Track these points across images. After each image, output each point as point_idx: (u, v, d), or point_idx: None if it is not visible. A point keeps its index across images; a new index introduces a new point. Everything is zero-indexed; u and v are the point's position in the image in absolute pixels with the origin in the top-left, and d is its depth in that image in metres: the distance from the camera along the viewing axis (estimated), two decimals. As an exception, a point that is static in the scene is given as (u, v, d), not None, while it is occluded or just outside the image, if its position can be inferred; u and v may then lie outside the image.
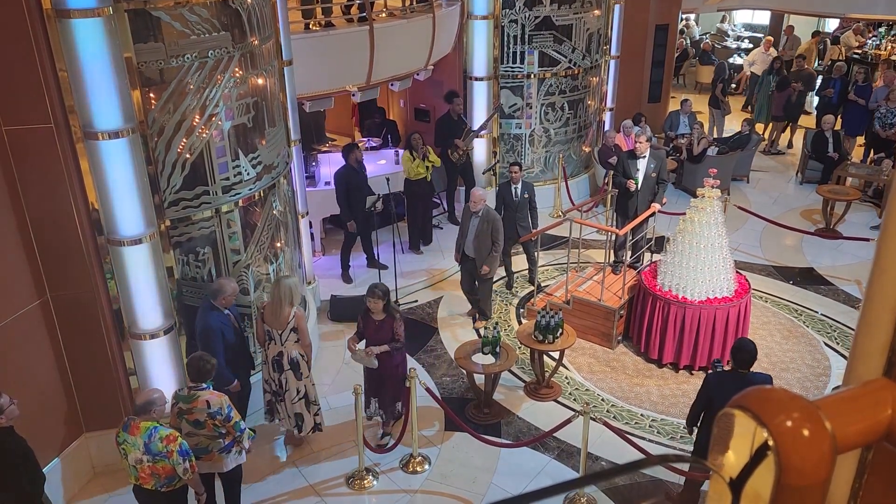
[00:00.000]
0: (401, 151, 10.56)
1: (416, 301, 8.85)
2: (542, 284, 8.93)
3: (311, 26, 8.55)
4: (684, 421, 6.72)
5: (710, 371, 7.35)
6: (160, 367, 6.07)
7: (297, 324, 6.10)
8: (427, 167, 9.45)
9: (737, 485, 0.97)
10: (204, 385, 5.20)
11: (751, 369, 5.34)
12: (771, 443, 0.91)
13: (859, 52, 17.65)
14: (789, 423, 0.92)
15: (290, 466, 6.37)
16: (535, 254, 8.70)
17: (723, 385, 5.28)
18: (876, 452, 1.15)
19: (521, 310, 8.77)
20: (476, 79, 10.40)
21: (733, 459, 0.97)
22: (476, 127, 10.28)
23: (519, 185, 8.55)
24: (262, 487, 6.14)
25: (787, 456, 0.91)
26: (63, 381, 5.92)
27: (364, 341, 6.33)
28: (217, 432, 5.22)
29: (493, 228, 7.77)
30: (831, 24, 20.98)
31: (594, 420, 5.83)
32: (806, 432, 0.92)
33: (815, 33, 17.48)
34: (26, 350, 5.56)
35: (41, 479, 4.94)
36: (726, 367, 7.07)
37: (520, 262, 9.30)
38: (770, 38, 16.87)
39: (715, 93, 14.24)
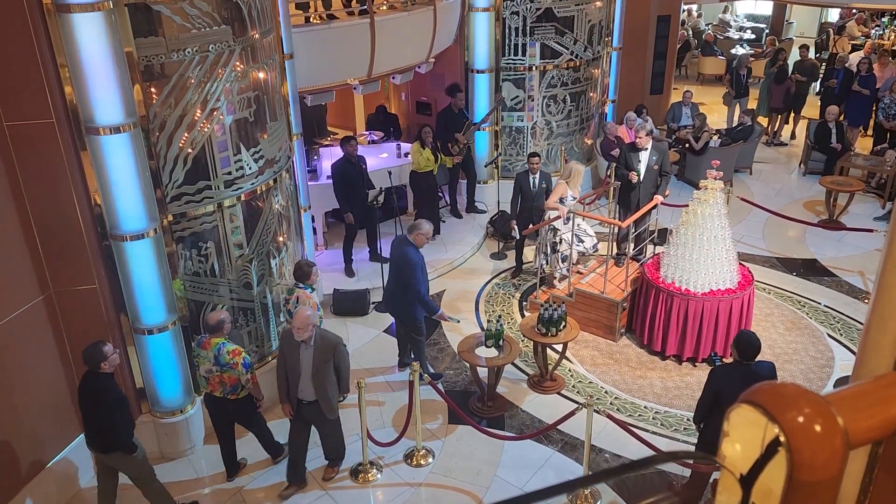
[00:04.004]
0: (402, 144, 10.57)
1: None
2: (546, 277, 8.92)
3: (311, 19, 8.52)
4: (688, 413, 6.74)
5: (709, 365, 7.35)
6: (163, 362, 6.08)
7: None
8: (436, 158, 9.57)
9: (748, 481, 0.96)
10: (302, 285, 6.37)
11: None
12: (782, 439, 0.90)
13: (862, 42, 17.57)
14: (801, 419, 0.91)
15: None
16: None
17: (729, 378, 5.26)
18: (887, 447, 1.14)
19: (525, 303, 8.77)
20: (477, 71, 10.38)
21: (744, 455, 0.96)
22: (477, 120, 10.26)
23: (537, 176, 8.69)
24: (266, 480, 6.15)
25: (799, 452, 0.90)
26: (67, 376, 5.93)
27: None
28: None
29: (335, 357, 5.64)
30: (833, 15, 20.92)
31: (598, 412, 5.84)
32: (817, 428, 0.91)
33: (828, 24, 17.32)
34: (30, 345, 5.57)
35: (132, 424, 5.46)
36: (728, 360, 7.09)
37: (529, 253, 9.31)
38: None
39: (725, 85, 14.26)
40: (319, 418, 5.84)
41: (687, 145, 11.74)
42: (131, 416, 5.50)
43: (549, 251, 8.35)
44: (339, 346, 5.69)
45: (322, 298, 8.49)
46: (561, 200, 8.07)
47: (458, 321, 6.70)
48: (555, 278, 8.43)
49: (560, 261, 8.30)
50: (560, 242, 8.21)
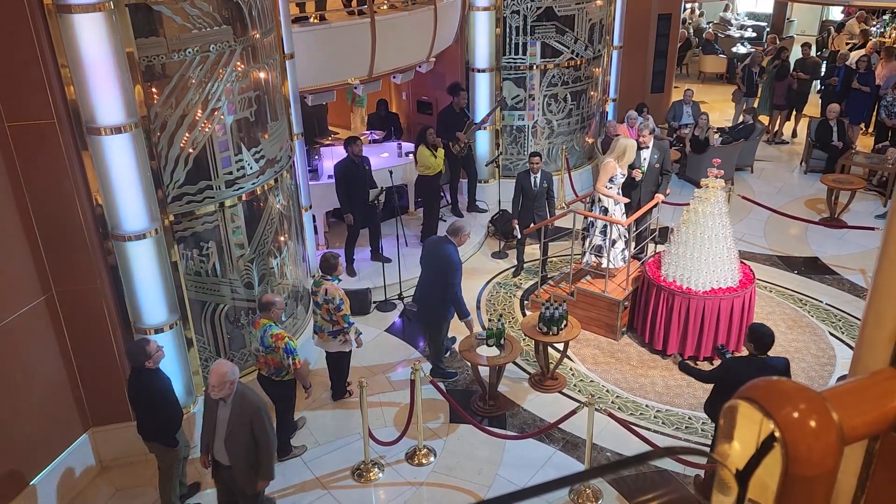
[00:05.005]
0: (404, 144, 10.56)
1: (420, 294, 8.85)
2: (547, 276, 8.92)
3: (311, 19, 8.52)
4: (689, 412, 6.75)
5: (717, 357, 7.31)
6: (166, 361, 6.07)
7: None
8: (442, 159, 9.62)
9: (744, 476, 0.96)
10: (329, 277, 6.47)
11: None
12: (778, 434, 0.91)
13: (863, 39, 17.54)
14: (796, 415, 0.92)
15: (296, 459, 6.39)
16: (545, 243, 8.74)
17: (743, 370, 5.23)
18: (883, 443, 1.15)
19: (526, 301, 8.77)
20: (478, 70, 10.38)
21: (740, 451, 0.97)
22: (478, 120, 10.27)
23: (538, 175, 8.67)
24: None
25: (794, 447, 0.91)
26: (69, 376, 5.94)
27: None
28: (329, 317, 6.49)
29: (253, 420, 4.90)
30: (834, 13, 20.90)
31: (599, 411, 5.84)
32: (813, 423, 0.92)
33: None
34: (33, 345, 5.58)
35: (179, 416, 5.62)
36: (739, 353, 7.08)
37: (530, 252, 9.32)
38: None
39: (737, 83, 14.26)
40: (236, 488, 5.15)
41: (689, 142, 11.73)
42: (179, 412, 5.60)
43: (596, 235, 8.04)
44: (260, 413, 4.91)
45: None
46: (611, 180, 7.81)
47: (481, 333, 6.83)
48: (609, 266, 8.11)
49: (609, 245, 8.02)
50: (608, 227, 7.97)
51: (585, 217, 8.19)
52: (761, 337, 5.27)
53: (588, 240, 8.18)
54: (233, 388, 4.91)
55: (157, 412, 5.41)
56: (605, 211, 7.89)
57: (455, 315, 7.03)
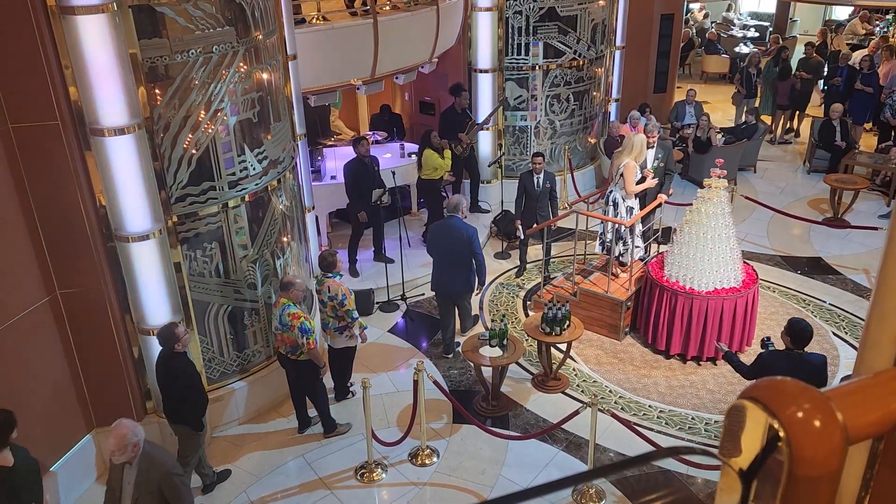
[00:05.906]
0: (406, 144, 10.57)
1: (424, 294, 8.86)
2: (550, 276, 8.92)
3: (314, 20, 8.53)
4: (692, 412, 6.74)
5: (762, 350, 7.22)
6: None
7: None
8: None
9: (747, 476, 0.96)
10: (330, 274, 6.51)
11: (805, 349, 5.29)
12: (782, 434, 0.91)
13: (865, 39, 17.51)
14: (800, 415, 0.92)
15: (299, 459, 6.40)
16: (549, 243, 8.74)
17: (780, 364, 5.16)
18: (887, 443, 1.15)
19: (529, 302, 8.77)
20: (480, 71, 10.38)
21: (744, 451, 0.97)
22: (480, 120, 10.28)
23: (541, 176, 8.68)
24: (271, 480, 6.17)
25: (799, 447, 0.90)
26: (73, 376, 5.95)
27: None
28: (334, 314, 6.55)
29: (161, 485, 4.40)
30: (836, 13, 20.86)
31: (602, 412, 5.84)
32: (817, 423, 0.92)
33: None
34: (36, 346, 5.59)
35: (205, 400, 5.75)
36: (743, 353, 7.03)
37: (533, 253, 9.32)
38: None
39: (735, 85, 14.23)
40: None
41: (691, 143, 11.73)
42: (204, 395, 5.73)
43: (625, 235, 8.00)
44: (170, 478, 4.40)
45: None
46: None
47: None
48: (620, 264, 8.19)
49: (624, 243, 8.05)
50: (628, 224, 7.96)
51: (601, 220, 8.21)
52: (799, 332, 5.18)
53: (615, 242, 8.10)
54: (137, 449, 4.39)
55: (185, 395, 5.54)
56: (632, 211, 7.90)
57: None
